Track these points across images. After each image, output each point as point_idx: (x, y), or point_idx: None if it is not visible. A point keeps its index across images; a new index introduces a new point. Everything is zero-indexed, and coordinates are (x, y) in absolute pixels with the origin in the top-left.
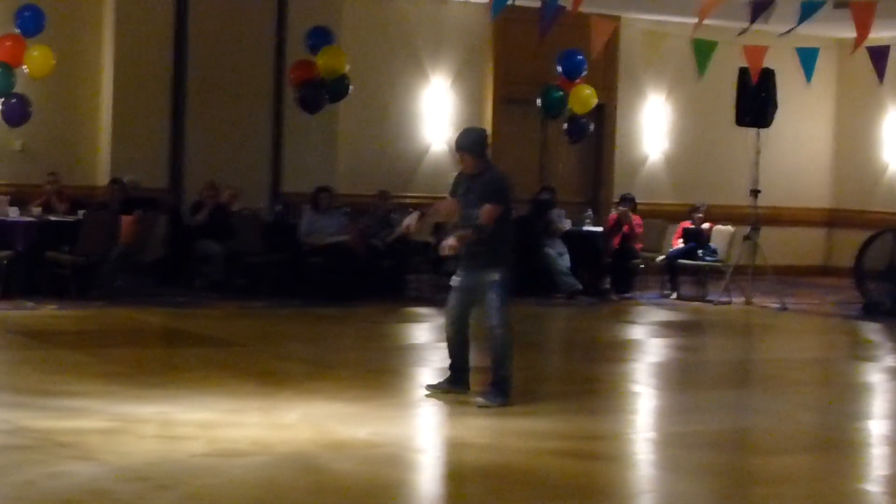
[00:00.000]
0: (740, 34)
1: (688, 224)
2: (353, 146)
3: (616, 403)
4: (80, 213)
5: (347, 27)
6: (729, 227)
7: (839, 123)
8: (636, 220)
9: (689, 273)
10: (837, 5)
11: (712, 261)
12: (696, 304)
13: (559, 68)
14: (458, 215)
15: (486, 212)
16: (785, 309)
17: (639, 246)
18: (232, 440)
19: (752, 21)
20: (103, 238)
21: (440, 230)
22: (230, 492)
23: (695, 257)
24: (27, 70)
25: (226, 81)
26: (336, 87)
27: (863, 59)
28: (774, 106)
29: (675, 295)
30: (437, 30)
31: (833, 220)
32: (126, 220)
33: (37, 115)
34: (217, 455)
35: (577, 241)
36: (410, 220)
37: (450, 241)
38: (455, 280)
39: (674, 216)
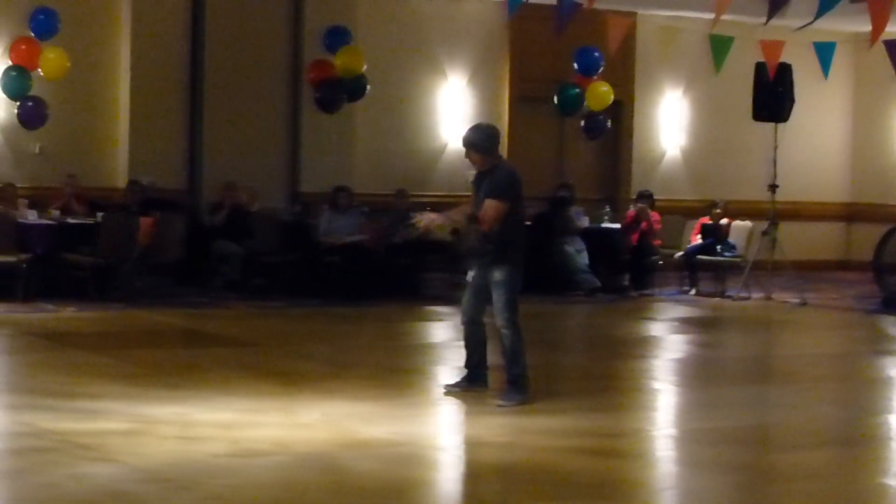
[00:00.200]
0: (764, 24)
1: (706, 220)
2: (371, 145)
3: (636, 400)
4: (99, 215)
5: (363, 26)
6: (747, 223)
7: (857, 117)
8: (654, 216)
9: (707, 269)
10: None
11: (731, 256)
12: (715, 300)
13: (575, 65)
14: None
15: (487, 207)
16: (804, 304)
17: (657, 242)
18: (252, 440)
19: (770, 16)
20: (122, 240)
21: (458, 232)
22: (250, 492)
23: (713, 253)
24: (42, 73)
25: (243, 81)
26: (354, 87)
27: (880, 54)
28: (791, 100)
29: (693, 291)
30: (454, 28)
31: (851, 214)
32: (144, 221)
33: (54, 118)
34: (237, 455)
35: (596, 239)
36: (429, 221)
37: (429, 216)
38: (469, 277)
39: (692, 212)
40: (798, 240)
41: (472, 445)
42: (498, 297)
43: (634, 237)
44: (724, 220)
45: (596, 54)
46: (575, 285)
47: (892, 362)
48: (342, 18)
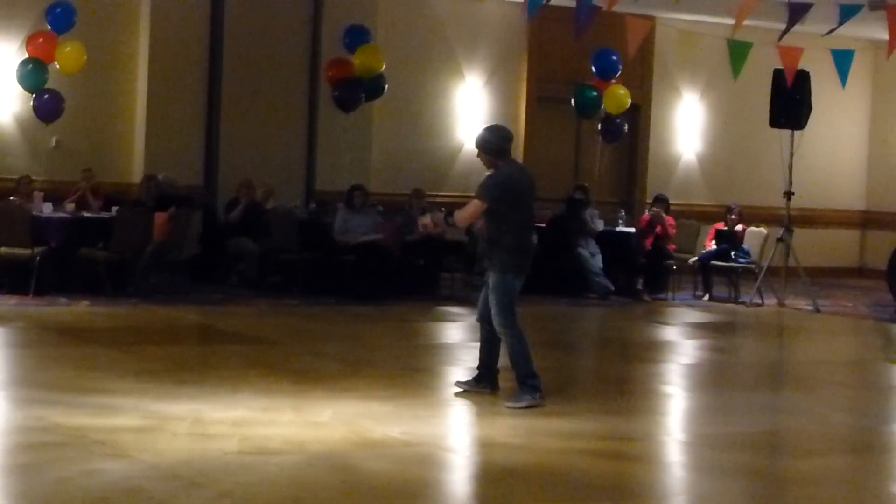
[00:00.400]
0: (780, 38)
1: (721, 225)
2: (388, 145)
3: (648, 404)
4: (115, 209)
5: (383, 25)
6: (762, 229)
7: (874, 125)
8: (669, 220)
9: (721, 274)
10: (874, 7)
11: (745, 262)
12: (729, 305)
13: (593, 68)
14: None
15: (467, 205)
16: (817, 311)
17: (672, 247)
18: (265, 438)
19: (791, 25)
20: (137, 235)
21: (473, 232)
22: (263, 490)
23: (728, 259)
24: (59, 66)
25: (261, 78)
26: (373, 86)
27: None
28: (809, 107)
29: (707, 296)
30: (472, 28)
31: (867, 221)
32: (160, 217)
33: (71, 112)
34: (250, 453)
35: (611, 242)
36: (428, 220)
37: (429, 219)
38: (486, 275)
39: (707, 217)
40: (813, 247)
41: (484, 447)
42: (492, 302)
43: (649, 241)
44: (738, 226)
45: (614, 57)
46: (589, 288)
47: None
48: (362, 18)
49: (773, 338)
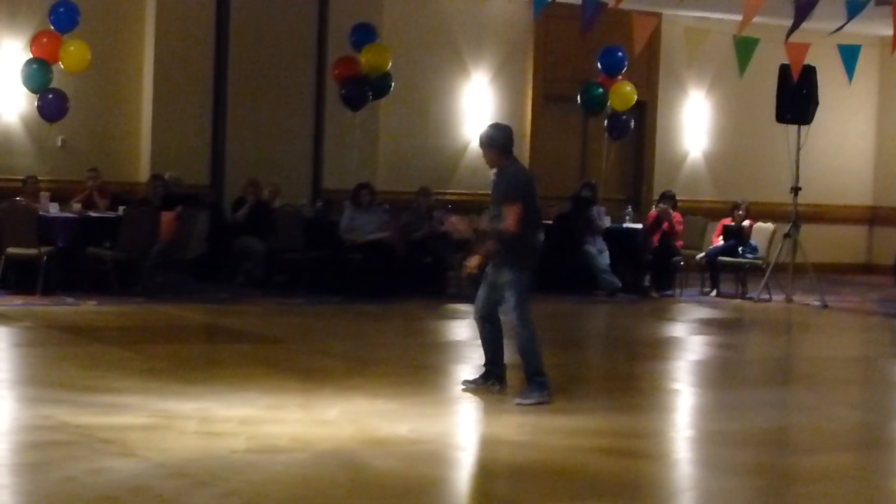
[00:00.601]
0: (788, 37)
1: (728, 221)
2: (394, 143)
3: (656, 401)
4: (121, 209)
5: (389, 23)
6: (769, 225)
7: (881, 120)
8: (676, 217)
9: (729, 270)
10: (880, 2)
11: (753, 258)
12: (737, 301)
13: (599, 65)
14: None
15: (508, 214)
16: (825, 307)
17: (679, 243)
18: (272, 437)
19: (798, 23)
20: (144, 234)
21: (480, 229)
22: (270, 488)
23: (735, 255)
24: (63, 66)
25: (267, 77)
26: (380, 84)
27: None
28: (815, 103)
29: (715, 292)
30: (479, 26)
31: (875, 217)
32: (167, 216)
33: (77, 111)
34: (257, 451)
35: (618, 239)
36: (458, 220)
37: (472, 262)
38: (486, 273)
39: (714, 213)
40: (820, 242)
41: (491, 444)
42: (509, 297)
43: (656, 238)
44: (746, 222)
45: (620, 54)
46: (596, 285)
47: None
48: (368, 16)
49: (780, 334)
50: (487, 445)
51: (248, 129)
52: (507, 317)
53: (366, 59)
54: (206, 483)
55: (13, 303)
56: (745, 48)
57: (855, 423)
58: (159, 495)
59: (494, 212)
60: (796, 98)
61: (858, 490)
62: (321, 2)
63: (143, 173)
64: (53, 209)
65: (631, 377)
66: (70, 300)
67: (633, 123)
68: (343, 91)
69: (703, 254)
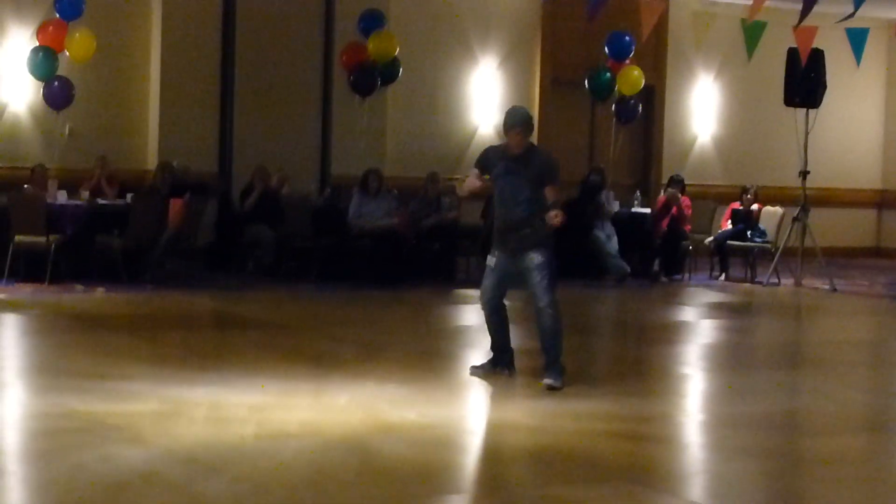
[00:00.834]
0: (799, 23)
1: (737, 205)
2: (402, 129)
3: (666, 385)
4: (129, 197)
5: (397, 10)
6: (778, 209)
7: (889, 104)
8: (685, 201)
9: (738, 255)
10: None
11: (762, 242)
12: (746, 285)
13: (607, 50)
14: (493, 194)
15: (555, 194)
16: (834, 290)
17: (688, 228)
18: (282, 423)
19: (807, 10)
20: (152, 223)
21: (489, 214)
22: (281, 474)
23: (744, 239)
24: (69, 54)
25: (275, 64)
26: (388, 71)
27: None
28: (824, 86)
29: (724, 277)
30: (486, 12)
31: (883, 201)
32: (175, 204)
33: (85, 100)
34: (267, 438)
35: (626, 224)
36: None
37: (558, 214)
38: (491, 261)
39: (723, 198)
40: (829, 226)
41: (501, 428)
42: (540, 279)
43: (665, 222)
44: (754, 206)
45: (627, 39)
46: (605, 270)
47: None
48: (376, 2)
49: (790, 318)
50: (497, 430)
51: (256, 116)
52: (536, 300)
53: (373, 45)
54: (216, 469)
55: (22, 291)
56: (753, 32)
57: (864, 406)
58: (169, 482)
59: (512, 195)
60: (804, 82)
61: (868, 472)
62: None
63: (152, 161)
64: (62, 197)
65: (640, 361)
66: (79, 288)
67: (641, 108)
68: (351, 78)
69: (711, 238)
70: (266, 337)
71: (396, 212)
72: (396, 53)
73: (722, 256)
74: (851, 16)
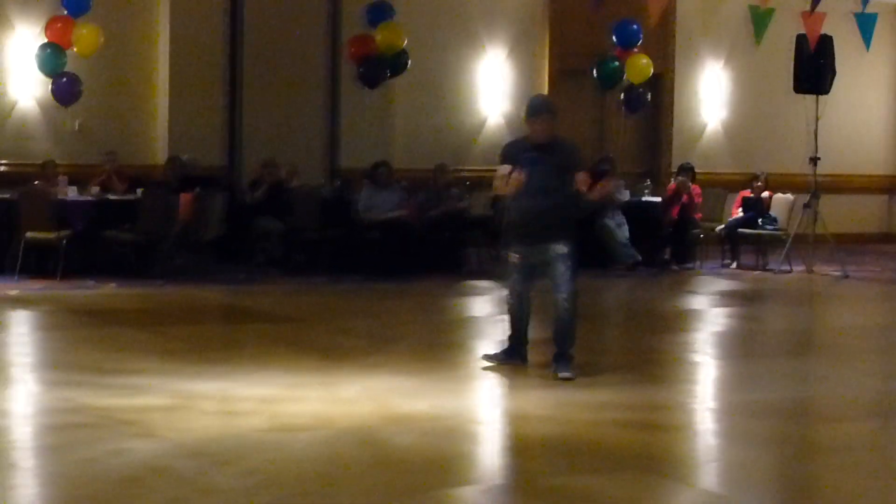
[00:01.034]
0: (812, 10)
1: (747, 193)
2: (410, 120)
3: (677, 373)
4: (139, 191)
5: (403, 0)
6: (788, 196)
7: None
8: (695, 189)
9: (748, 242)
10: None
11: (772, 229)
12: (757, 273)
13: (614, 38)
14: (520, 185)
15: (586, 178)
16: (846, 277)
17: (698, 216)
18: (292, 415)
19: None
20: (162, 216)
21: (499, 203)
22: (291, 466)
23: (755, 226)
24: (76, 49)
25: (282, 57)
26: (395, 62)
27: None
28: (833, 72)
29: (735, 264)
30: (493, 2)
31: (894, 186)
32: (184, 198)
33: (92, 95)
34: (278, 430)
35: (636, 212)
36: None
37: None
38: (514, 257)
39: (733, 185)
40: (839, 213)
41: (513, 419)
42: (564, 270)
43: (675, 211)
44: (765, 193)
45: (635, 27)
46: (615, 259)
47: None
48: None
49: (801, 304)
50: (508, 420)
51: (264, 109)
52: (557, 291)
53: (381, 37)
54: (226, 462)
55: (33, 287)
56: (760, 18)
57: (876, 393)
58: (180, 475)
59: (539, 183)
60: (813, 68)
61: (881, 459)
62: None
63: (160, 156)
64: (71, 193)
65: (652, 350)
66: (89, 283)
67: (649, 96)
68: (360, 69)
69: (722, 226)
70: (275, 329)
71: (405, 203)
72: (404, 45)
73: (732, 244)
74: (867, 2)
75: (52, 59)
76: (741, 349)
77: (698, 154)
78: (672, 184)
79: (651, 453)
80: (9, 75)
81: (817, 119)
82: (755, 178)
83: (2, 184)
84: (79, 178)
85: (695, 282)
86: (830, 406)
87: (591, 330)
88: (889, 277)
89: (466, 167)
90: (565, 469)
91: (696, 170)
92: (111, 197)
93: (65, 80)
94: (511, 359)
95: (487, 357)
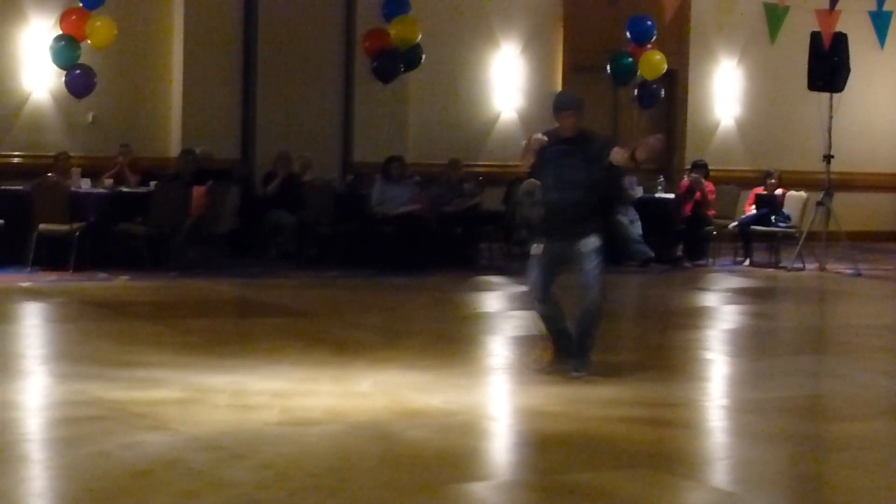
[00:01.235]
0: (832, 9)
1: (760, 190)
2: (424, 115)
3: (689, 370)
4: (152, 184)
5: None
6: (802, 193)
7: None
8: (708, 186)
9: (762, 239)
10: None
11: (785, 227)
12: (770, 270)
13: (629, 34)
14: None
15: (621, 153)
16: (858, 275)
17: (711, 212)
18: (305, 409)
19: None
20: (175, 209)
21: (511, 200)
22: (304, 460)
23: (768, 223)
24: (90, 42)
25: (297, 51)
26: (410, 57)
27: None
28: (847, 70)
29: (748, 261)
30: None
31: None
32: (198, 191)
33: (107, 87)
34: (291, 424)
35: (650, 209)
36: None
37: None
38: (536, 249)
39: (746, 182)
40: (853, 210)
41: (524, 415)
42: (594, 266)
43: (688, 207)
44: (778, 191)
45: (649, 23)
46: (628, 255)
47: None
48: None
49: (814, 302)
50: (521, 416)
51: (278, 102)
52: (587, 288)
53: (395, 31)
54: (239, 455)
55: (46, 279)
56: (775, 15)
57: (889, 391)
58: (193, 468)
59: (569, 177)
60: (828, 65)
61: (893, 457)
62: None
63: (174, 148)
64: (85, 185)
65: (664, 347)
66: (102, 276)
67: (663, 92)
68: (374, 64)
69: (735, 223)
70: (288, 323)
71: (418, 198)
72: (418, 39)
73: (746, 241)
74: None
75: (67, 51)
76: (753, 346)
77: (712, 151)
78: (685, 180)
79: (662, 450)
80: (23, 67)
81: (831, 117)
82: (769, 175)
83: (15, 176)
84: (92, 170)
85: (707, 279)
86: (842, 404)
87: (603, 326)
88: None
89: (479, 162)
90: (577, 465)
91: (710, 167)
92: (124, 189)
93: (79, 72)
94: (564, 363)
95: (551, 368)
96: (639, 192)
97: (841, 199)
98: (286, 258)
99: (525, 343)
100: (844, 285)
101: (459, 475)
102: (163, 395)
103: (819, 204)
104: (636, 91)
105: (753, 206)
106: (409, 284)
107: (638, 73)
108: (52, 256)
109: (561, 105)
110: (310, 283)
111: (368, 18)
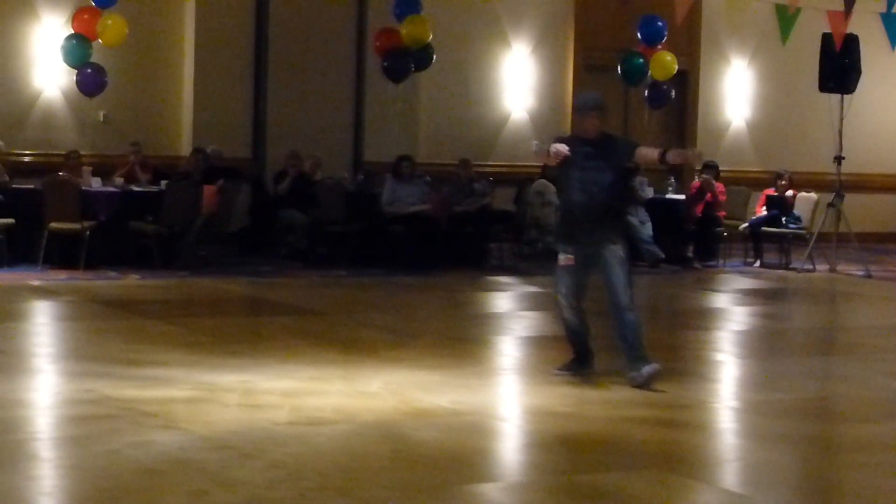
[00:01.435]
0: (847, 15)
1: (771, 191)
2: (435, 115)
3: (699, 371)
4: (163, 183)
5: None
6: (812, 195)
7: None
8: (719, 187)
9: (772, 241)
10: None
11: (796, 228)
12: (780, 271)
13: (640, 35)
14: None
15: (646, 155)
16: (869, 276)
17: (722, 213)
18: (315, 408)
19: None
20: (186, 208)
21: (521, 200)
22: (313, 460)
23: (778, 225)
24: (101, 40)
25: (308, 50)
26: (421, 56)
27: None
28: (858, 72)
29: (758, 263)
30: None
31: None
32: (208, 189)
33: (118, 86)
34: (300, 423)
35: (660, 209)
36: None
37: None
38: (564, 259)
39: (757, 183)
40: (863, 212)
41: (534, 415)
42: (621, 274)
43: (699, 208)
44: (789, 192)
45: (660, 23)
46: (639, 256)
47: None
48: None
49: (824, 304)
50: (530, 416)
51: (290, 101)
52: (614, 296)
53: (406, 31)
54: (248, 455)
55: (56, 277)
56: (787, 16)
57: None
58: (203, 468)
59: (592, 179)
60: (839, 67)
61: None
62: None
63: (185, 147)
64: (96, 184)
65: (674, 348)
66: (113, 274)
67: (674, 93)
68: (385, 63)
69: (746, 224)
70: (299, 322)
71: (429, 197)
72: (430, 39)
73: (756, 242)
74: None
75: (78, 49)
76: (763, 348)
77: (723, 152)
78: (696, 181)
79: (672, 452)
80: (35, 66)
81: (842, 118)
82: (779, 176)
83: (27, 174)
84: (103, 169)
85: (718, 280)
86: (852, 406)
87: (613, 327)
88: None
89: (490, 162)
90: (586, 466)
91: (721, 167)
92: (135, 188)
93: (90, 71)
94: (583, 368)
95: (560, 371)
96: (649, 192)
97: (852, 201)
98: (296, 257)
99: (535, 343)
100: (855, 287)
101: (469, 476)
102: (172, 394)
103: (830, 205)
104: (647, 91)
105: (764, 208)
106: (419, 284)
107: (649, 74)
108: (63, 255)
109: (588, 105)
110: (320, 282)
111: (379, 18)
